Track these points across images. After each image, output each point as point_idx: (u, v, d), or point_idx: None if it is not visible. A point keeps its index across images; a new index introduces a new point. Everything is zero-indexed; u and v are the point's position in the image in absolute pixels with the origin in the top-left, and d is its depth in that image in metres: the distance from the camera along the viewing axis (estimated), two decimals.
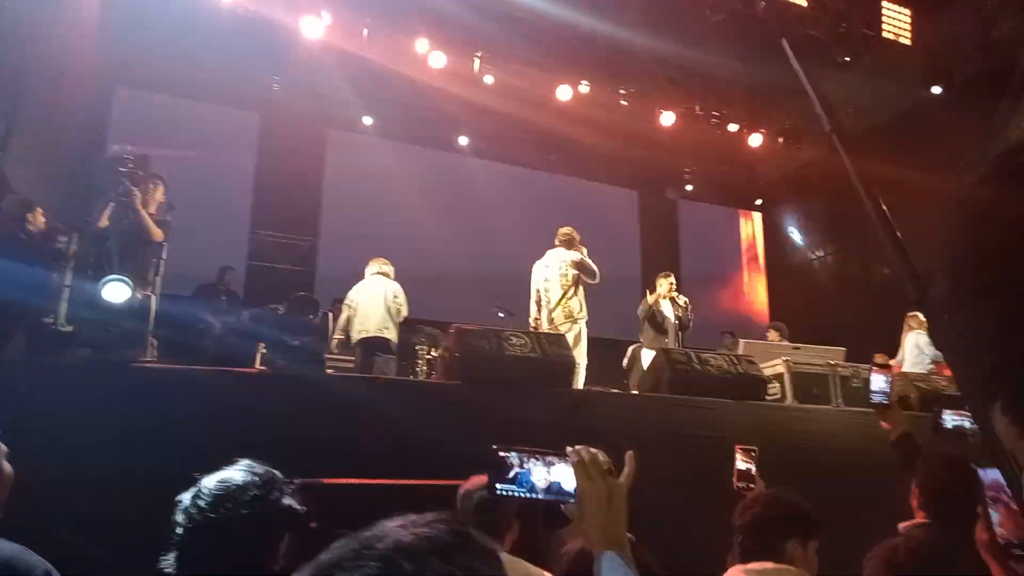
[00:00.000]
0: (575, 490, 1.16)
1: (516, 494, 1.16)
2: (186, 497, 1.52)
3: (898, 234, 1.26)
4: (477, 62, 9.82)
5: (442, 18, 9.24)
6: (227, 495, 1.52)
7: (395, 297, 6.59)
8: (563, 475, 1.17)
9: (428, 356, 7.41)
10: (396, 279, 6.90)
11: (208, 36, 8.84)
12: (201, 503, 1.50)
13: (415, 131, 11.03)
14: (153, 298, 4.41)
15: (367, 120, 10.88)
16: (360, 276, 6.93)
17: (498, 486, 1.16)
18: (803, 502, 2.06)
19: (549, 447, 1.21)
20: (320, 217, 10.76)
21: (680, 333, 7.07)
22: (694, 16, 9.41)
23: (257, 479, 1.58)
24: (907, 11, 9.73)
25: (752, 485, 2.79)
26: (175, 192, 5.53)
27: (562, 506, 1.21)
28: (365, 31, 9.06)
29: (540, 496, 1.17)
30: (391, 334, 6.45)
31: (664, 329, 6.99)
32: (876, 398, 2.77)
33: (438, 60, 9.46)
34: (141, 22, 8.60)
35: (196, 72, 9.35)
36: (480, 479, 2.21)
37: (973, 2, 9.35)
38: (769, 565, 1.91)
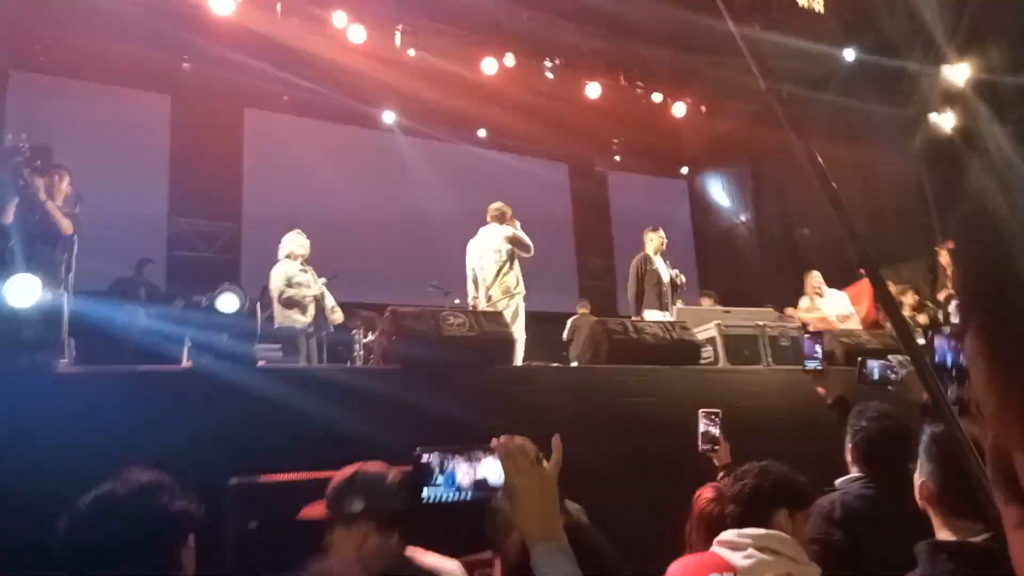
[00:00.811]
0: (502, 483, 1.14)
1: (444, 498, 1.13)
2: (61, 523, 1.42)
3: (838, 195, 1.27)
4: (399, 36, 9.59)
5: None
6: (104, 511, 1.42)
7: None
8: (489, 469, 1.14)
9: (364, 340, 7.28)
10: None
11: (110, 14, 8.32)
12: (78, 526, 1.40)
13: (338, 108, 10.69)
14: (66, 297, 4.15)
15: (286, 98, 10.48)
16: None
17: (424, 494, 1.12)
18: (794, 474, 2.10)
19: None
20: (242, 201, 10.36)
21: (672, 293, 7.10)
22: None
23: (138, 488, 1.48)
24: None
25: (716, 447, 2.83)
26: (83, 183, 5.21)
27: (492, 501, 1.19)
28: (279, 5, 8.71)
29: (468, 495, 1.14)
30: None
31: (662, 290, 7.02)
32: (811, 364, 2.84)
33: (357, 34, 9.19)
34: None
35: (98, 53, 8.80)
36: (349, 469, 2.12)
37: None
38: (761, 530, 1.95)
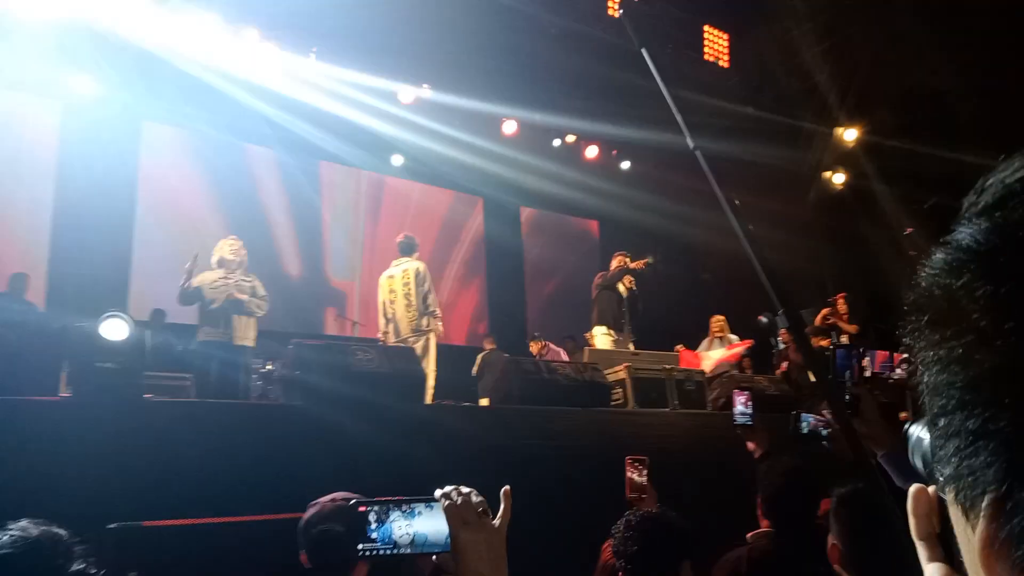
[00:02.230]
0: (447, 539, 1.05)
1: (380, 552, 1.05)
2: None
3: (762, 254, 1.26)
4: (312, 56, 9.43)
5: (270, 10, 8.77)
6: None
7: None
8: (430, 524, 1.07)
9: (263, 371, 6.92)
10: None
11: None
12: None
13: (242, 128, 10.30)
14: None
15: (187, 112, 9.99)
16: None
17: (360, 547, 1.06)
18: (686, 522, 2.04)
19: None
20: (134, 217, 9.74)
21: (632, 314, 7.19)
22: (533, 27, 9.65)
23: (28, 546, 1.29)
24: (725, 36, 10.56)
25: (644, 495, 2.78)
26: None
27: (433, 557, 1.11)
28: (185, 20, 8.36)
29: (407, 551, 1.07)
30: None
31: (619, 310, 7.08)
32: (740, 419, 2.85)
33: (271, 52, 8.98)
34: None
35: None
36: (325, 502, 2.01)
37: (780, 30, 10.33)
38: None
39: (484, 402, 7.13)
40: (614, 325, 7.06)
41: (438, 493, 1.09)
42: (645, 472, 2.78)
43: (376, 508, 1.07)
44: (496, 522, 1.09)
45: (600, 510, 2.87)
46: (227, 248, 6.15)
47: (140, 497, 2.95)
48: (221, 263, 6.10)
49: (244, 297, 5.95)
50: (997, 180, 0.41)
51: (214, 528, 2.95)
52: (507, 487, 1.13)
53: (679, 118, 1.47)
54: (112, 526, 2.84)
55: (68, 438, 3.17)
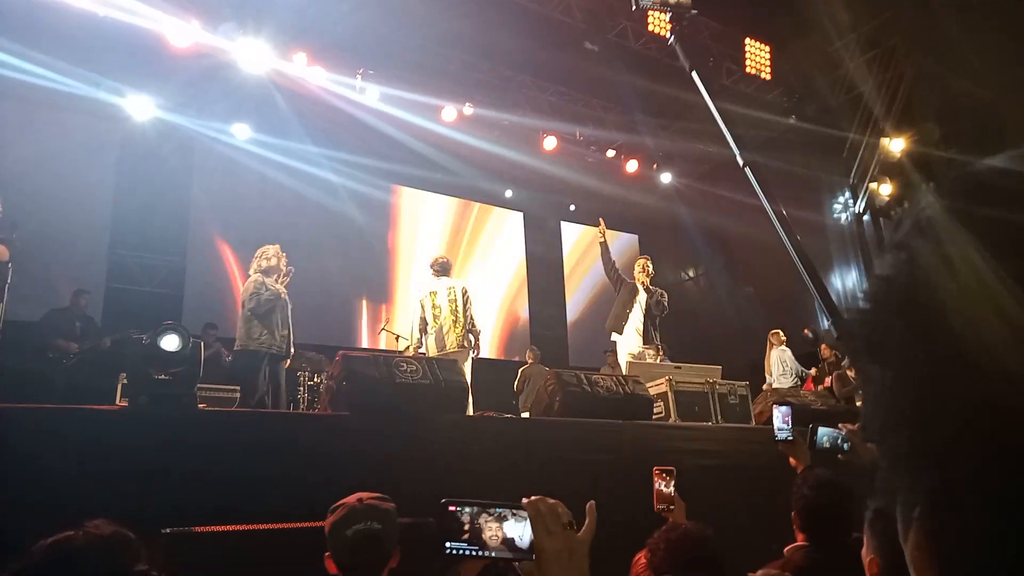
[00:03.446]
0: (531, 546, 1.08)
1: (467, 552, 1.08)
2: (9, 571, 1.28)
3: (815, 268, 1.28)
4: (359, 78, 9.65)
5: (322, 33, 9.01)
6: (62, 563, 1.30)
7: None
8: (516, 530, 1.09)
9: (311, 383, 7.06)
10: None
11: (62, 38, 8.14)
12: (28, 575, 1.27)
13: (292, 146, 10.60)
14: None
15: (240, 132, 10.33)
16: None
17: (448, 544, 1.08)
18: (715, 538, 2.04)
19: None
20: (187, 235, 10.08)
21: (648, 321, 6.86)
22: (573, 45, 9.73)
23: (99, 542, 1.36)
24: (767, 48, 10.47)
25: (672, 507, 2.78)
26: (21, 209, 4.98)
27: (516, 564, 1.13)
28: (239, 39, 8.66)
29: (493, 554, 1.09)
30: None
31: (624, 312, 6.84)
32: (780, 435, 2.82)
33: (318, 75, 9.22)
34: None
35: (49, 76, 8.55)
36: (351, 502, 2.02)
37: (822, 42, 10.21)
38: None
39: (525, 415, 7.15)
40: (621, 332, 6.89)
41: (525, 502, 1.11)
42: (672, 483, 2.76)
43: (467, 509, 1.09)
44: (580, 535, 1.11)
45: (635, 522, 2.87)
46: (274, 255, 6.11)
47: (192, 504, 3.05)
48: (270, 271, 6.04)
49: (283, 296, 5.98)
50: (914, 213, 0.41)
51: (264, 534, 3.03)
52: (592, 503, 1.16)
53: (728, 135, 1.49)
54: (166, 531, 2.94)
55: (124, 446, 3.30)
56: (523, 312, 12.83)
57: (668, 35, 1.68)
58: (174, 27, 8.26)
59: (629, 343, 6.82)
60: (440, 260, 6.78)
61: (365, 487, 2.53)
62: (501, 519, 1.09)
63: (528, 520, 1.09)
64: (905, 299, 0.39)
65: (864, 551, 1.78)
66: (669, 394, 5.66)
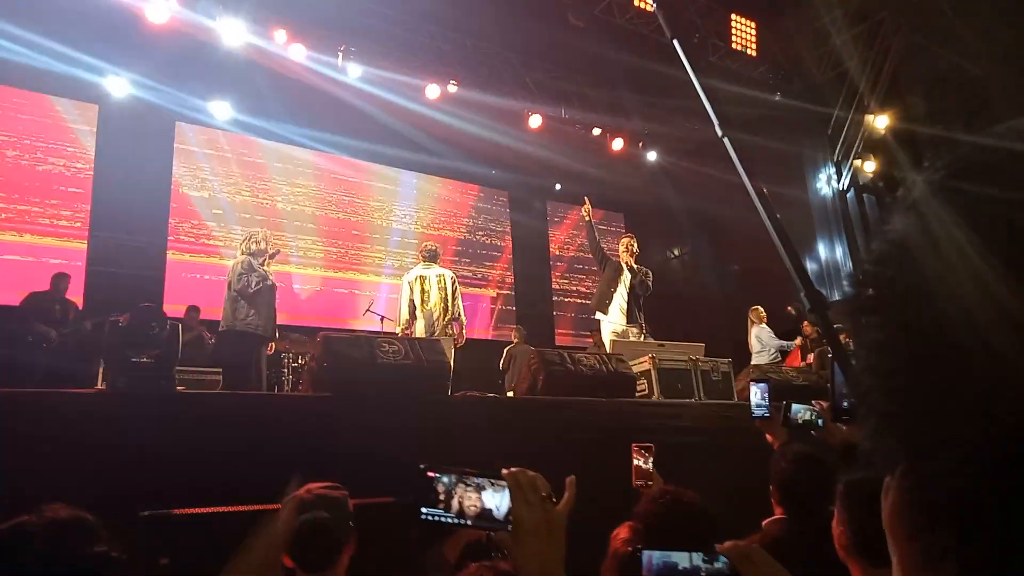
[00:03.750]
0: (507, 516, 1.07)
1: (443, 520, 1.06)
2: None
3: (791, 243, 1.27)
4: (340, 56, 9.52)
5: (302, 10, 8.87)
6: (16, 548, 1.28)
7: None
8: (494, 500, 1.08)
9: (295, 365, 7.05)
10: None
11: (35, 18, 7.97)
12: None
13: (273, 125, 10.47)
14: None
15: (220, 112, 10.18)
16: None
17: (424, 510, 1.06)
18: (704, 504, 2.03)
19: (428, 461, 1.11)
20: (168, 217, 9.97)
21: (632, 300, 6.82)
22: (558, 20, 9.62)
23: (54, 526, 1.35)
24: (753, 24, 10.41)
25: (650, 482, 2.80)
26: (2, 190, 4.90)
27: (491, 534, 1.12)
28: (217, 18, 8.51)
29: (469, 523, 1.07)
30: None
31: (609, 291, 6.80)
32: (757, 412, 2.84)
33: (298, 52, 9.09)
34: None
35: (26, 58, 8.39)
36: (301, 494, 2.00)
37: (809, 17, 10.16)
38: None
39: (510, 395, 7.17)
40: (606, 311, 6.88)
41: (505, 472, 1.09)
42: (651, 459, 2.78)
43: (445, 477, 1.07)
44: (559, 507, 1.10)
45: (616, 498, 2.89)
46: (263, 239, 6.19)
47: (172, 486, 3.04)
48: (258, 254, 6.12)
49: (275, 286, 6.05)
50: (924, 177, 0.42)
51: (243, 516, 3.03)
52: (572, 476, 1.14)
53: (708, 107, 1.48)
54: (144, 513, 2.93)
55: (104, 429, 3.28)
56: (508, 291, 12.83)
57: (651, 1, 1.65)
58: (152, 3, 8.11)
59: (613, 322, 6.82)
60: (429, 247, 6.81)
61: (347, 468, 2.53)
62: (479, 488, 1.08)
63: (507, 490, 1.07)
64: (912, 262, 0.40)
65: (834, 523, 1.80)
66: (652, 372, 5.68)
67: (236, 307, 5.89)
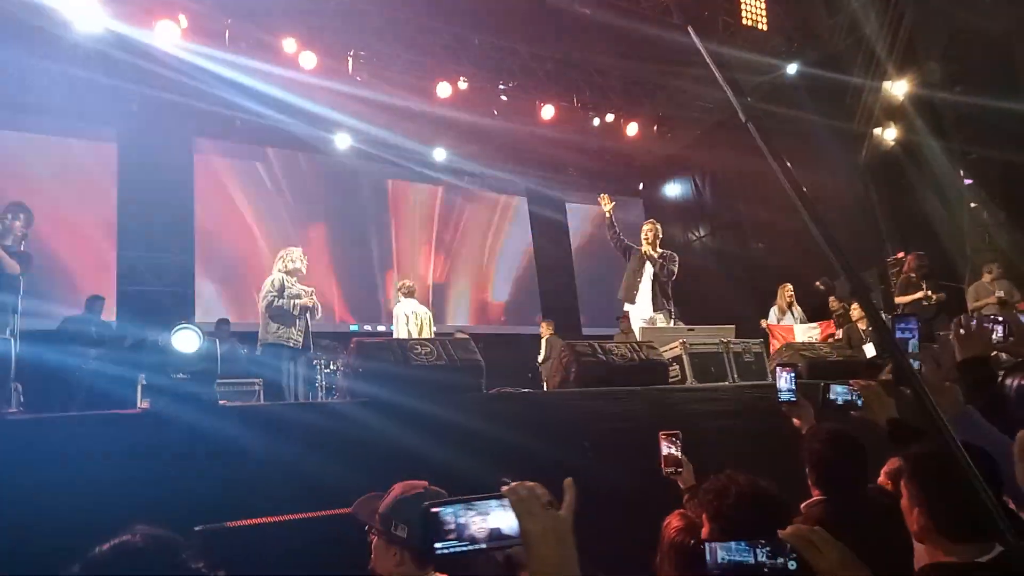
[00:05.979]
0: (518, 531, 1.10)
1: (458, 550, 1.10)
2: (74, 571, 1.31)
3: (819, 214, 1.26)
4: (351, 62, 9.55)
5: (308, 16, 8.92)
6: (126, 562, 1.32)
7: None
8: (502, 519, 1.12)
9: (327, 371, 7.13)
10: None
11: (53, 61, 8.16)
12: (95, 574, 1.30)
13: (290, 135, 10.55)
14: (12, 341, 3.95)
15: (238, 123, 10.27)
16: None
17: (438, 546, 1.09)
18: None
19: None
20: (193, 233, 10.10)
21: (658, 288, 6.80)
22: (565, 9, 9.56)
23: (155, 542, 1.38)
24: None
25: (680, 469, 2.80)
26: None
27: (509, 551, 1.15)
28: (226, 33, 8.59)
29: (484, 546, 1.11)
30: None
31: (639, 284, 6.82)
32: (784, 396, 2.82)
33: (308, 60, 9.13)
34: None
35: (44, 104, 8.61)
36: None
37: None
38: None
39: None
40: (633, 301, 6.87)
41: (504, 489, 1.13)
42: (679, 446, 2.79)
43: (450, 508, 1.10)
44: (562, 512, 1.13)
45: (657, 487, 2.90)
46: (298, 258, 6.28)
47: (221, 499, 3.10)
48: (293, 273, 6.22)
49: (313, 302, 6.16)
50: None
51: (295, 524, 3.09)
52: (569, 479, 1.18)
53: (729, 92, 1.46)
54: (198, 528, 2.98)
55: (149, 448, 3.34)
56: (533, 286, 12.83)
57: None
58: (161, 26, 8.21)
59: (641, 311, 6.83)
60: (408, 284, 7.29)
61: (389, 471, 2.55)
62: (485, 511, 1.11)
63: (509, 507, 1.11)
64: None
65: (905, 502, 1.75)
66: (684, 357, 5.66)
67: (267, 322, 6.03)
